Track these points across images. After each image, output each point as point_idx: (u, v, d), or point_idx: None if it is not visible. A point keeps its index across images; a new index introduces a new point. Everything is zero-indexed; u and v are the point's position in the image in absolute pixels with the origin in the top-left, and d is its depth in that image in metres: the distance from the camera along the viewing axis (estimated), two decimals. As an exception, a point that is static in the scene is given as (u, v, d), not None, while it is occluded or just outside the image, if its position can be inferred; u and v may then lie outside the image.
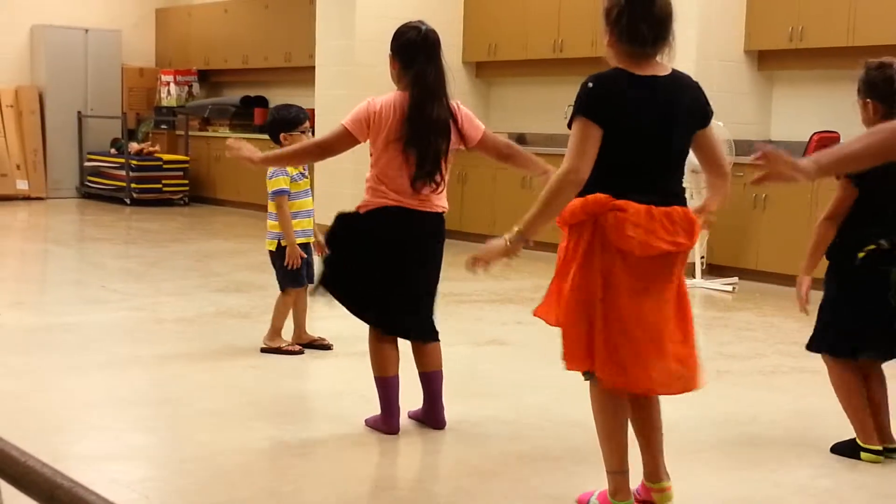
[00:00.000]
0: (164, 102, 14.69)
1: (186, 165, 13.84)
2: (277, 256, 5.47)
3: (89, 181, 14.21)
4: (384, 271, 4.06)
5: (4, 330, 5.91)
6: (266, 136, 5.73)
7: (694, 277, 8.16)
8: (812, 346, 4.11)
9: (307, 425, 4.34)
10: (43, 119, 14.05)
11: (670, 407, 4.57)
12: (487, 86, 11.42)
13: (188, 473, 3.68)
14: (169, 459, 3.91)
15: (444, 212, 4.13)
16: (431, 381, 4.21)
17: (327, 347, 5.63)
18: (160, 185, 13.62)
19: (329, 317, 6.73)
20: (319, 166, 11.20)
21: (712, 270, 8.49)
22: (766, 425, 4.45)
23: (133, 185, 13.41)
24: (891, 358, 4.07)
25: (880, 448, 3.98)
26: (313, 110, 11.47)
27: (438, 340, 4.22)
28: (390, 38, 4.11)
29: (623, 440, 3.28)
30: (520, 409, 4.59)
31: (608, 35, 3.18)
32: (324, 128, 11.06)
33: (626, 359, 3.15)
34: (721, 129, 7.99)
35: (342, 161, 11.03)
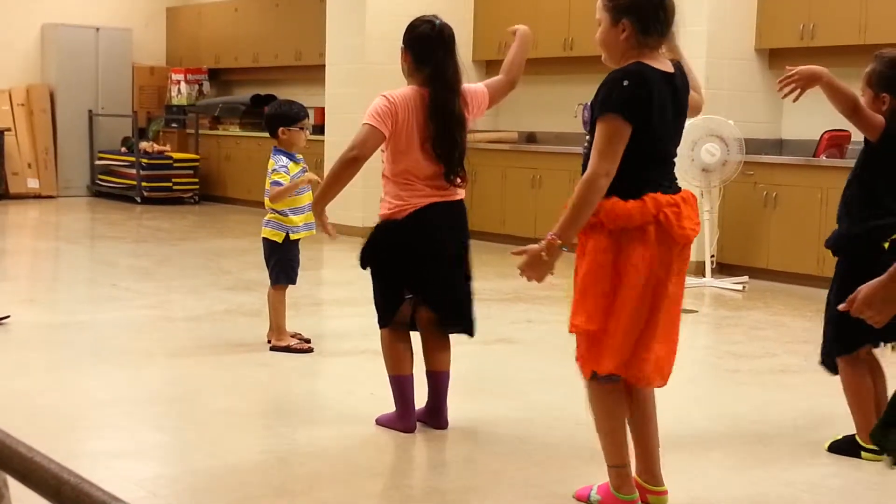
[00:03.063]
0: (175, 101, 14.71)
1: (197, 164, 13.86)
2: (277, 250, 5.48)
3: (100, 180, 14.24)
4: (433, 268, 4.06)
5: (17, 328, 5.93)
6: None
7: (704, 276, 8.15)
8: (831, 355, 4.02)
9: (318, 423, 4.34)
10: (54, 118, 14.08)
11: (680, 405, 4.58)
12: (497, 84, 11.40)
13: (199, 471, 3.70)
14: (180, 457, 3.92)
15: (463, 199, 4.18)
16: (439, 381, 4.20)
17: (309, 349, 5.56)
18: (170, 184, 13.64)
19: (337, 316, 6.76)
20: (330, 166, 11.20)
21: (722, 269, 8.47)
22: (777, 424, 4.45)
23: (143, 184, 13.43)
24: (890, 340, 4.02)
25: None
26: (323, 108, 11.48)
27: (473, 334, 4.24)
28: (402, 34, 4.11)
29: (624, 435, 3.30)
30: (529, 408, 4.59)
31: (626, 29, 3.13)
32: (334, 125, 11.08)
33: (640, 351, 3.16)
34: (732, 127, 7.98)
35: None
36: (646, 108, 3.07)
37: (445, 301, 4.13)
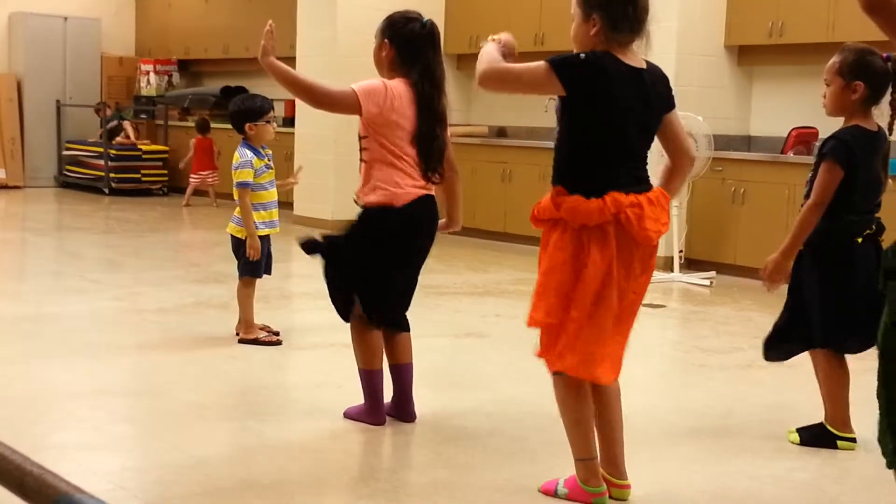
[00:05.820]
0: (144, 92, 14.62)
1: (166, 155, 13.79)
2: (243, 245, 5.45)
3: (68, 170, 14.13)
4: (404, 261, 4.07)
5: (-19, 319, 5.88)
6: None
7: (672, 271, 8.20)
8: (814, 342, 4.04)
9: (286, 416, 4.34)
10: (21, 107, 13.96)
11: (647, 399, 4.61)
12: (468, 78, 11.40)
13: (166, 464, 3.68)
14: (147, 450, 3.90)
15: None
16: (403, 374, 4.21)
17: (277, 342, 5.55)
18: (139, 175, 13.56)
19: (307, 309, 6.74)
20: (300, 159, 11.17)
21: (690, 265, 8.53)
22: (743, 418, 4.48)
23: (112, 175, 13.34)
24: (868, 348, 4.07)
25: (854, 436, 4.01)
26: (294, 101, 11.44)
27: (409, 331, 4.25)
28: (374, 28, 4.09)
29: (590, 428, 3.32)
30: (497, 402, 4.61)
31: (597, 23, 3.15)
32: (304, 119, 11.04)
33: (605, 349, 3.18)
34: (700, 123, 8.02)
35: (324, 153, 10.93)
36: (600, 92, 3.09)
37: (399, 294, 4.15)
